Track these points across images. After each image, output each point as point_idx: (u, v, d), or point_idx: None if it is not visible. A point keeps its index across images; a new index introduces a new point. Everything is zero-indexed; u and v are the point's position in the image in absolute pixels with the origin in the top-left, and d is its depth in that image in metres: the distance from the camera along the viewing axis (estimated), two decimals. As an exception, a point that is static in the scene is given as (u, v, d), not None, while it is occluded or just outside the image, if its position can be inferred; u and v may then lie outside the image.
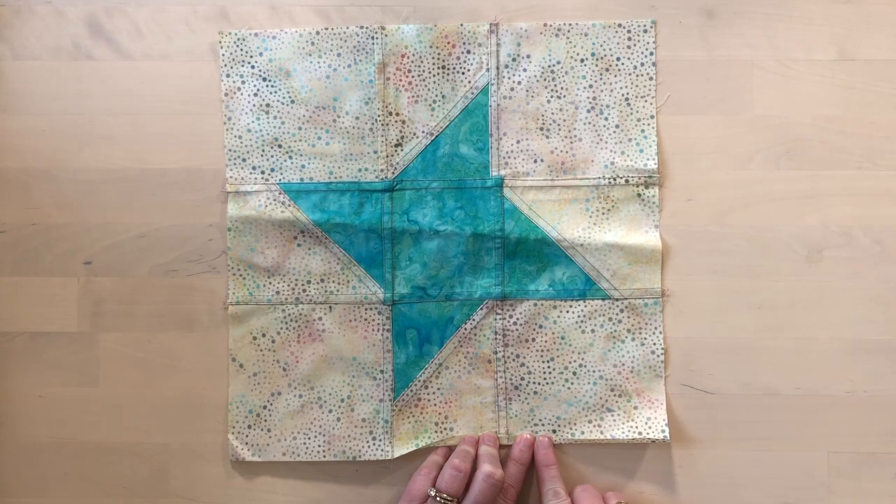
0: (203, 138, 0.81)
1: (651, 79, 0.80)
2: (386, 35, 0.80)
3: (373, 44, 0.80)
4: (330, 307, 0.80)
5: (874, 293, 0.79)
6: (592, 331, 0.80)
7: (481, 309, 0.80)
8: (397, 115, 0.80)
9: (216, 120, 0.81)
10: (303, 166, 0.80)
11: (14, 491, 0.81)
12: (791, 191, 0.80)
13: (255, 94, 0.80)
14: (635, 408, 0.80)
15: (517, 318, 0.80)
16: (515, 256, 0.80)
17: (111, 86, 0.82)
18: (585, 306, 0.80)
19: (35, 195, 0.81)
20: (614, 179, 0.80)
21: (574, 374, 0.80)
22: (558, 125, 0.80)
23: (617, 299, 0.80)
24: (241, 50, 0.80)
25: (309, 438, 0.80)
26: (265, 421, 0.80)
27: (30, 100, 0.82)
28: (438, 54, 0.80)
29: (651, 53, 0.80)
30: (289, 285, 0.80)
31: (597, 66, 0.80)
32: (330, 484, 0.80)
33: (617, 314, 0.80)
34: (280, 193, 0.80)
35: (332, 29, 0.80)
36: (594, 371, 0.80)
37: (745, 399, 0.80)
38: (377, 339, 0.80)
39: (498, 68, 0.80)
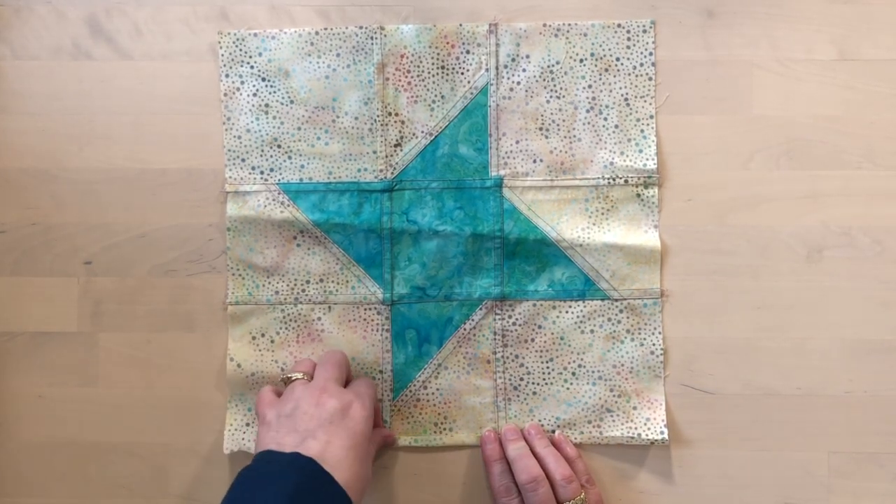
0: (203, 138, 0.81)
1: (650, 79, 0.80)
2: (385, 35, 0.80)
3: (372, 44, 0.80)
4: (329, 307, 0.80)
5: (874, 293, 0.79)
6: (592, 331, 0.80)
7: (480, 309, 0.80)
8: (396, 115, 0.80)
9: (216, 120, 0.81)
10: (302, 166, 0.80)
11: (14, 491, 0.81)
12: (791, 191, 0.80)
13: (255, 95, 0.80)
14: (634, 408, 0.80)
15: (516, 319, 0.80)
16: (515, 257, 0.80)
17: (111, 86, 0.82)
18: (585, 307, 0.80)
19: (35, 195, 0.82)
20: (613, 180, 0.80)
21: (573, 374, 0.80)
22: (557, 125, 0.80)
23: (616, 300, 0.80)
24: (241, 50, 0.80)
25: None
26: (265, 421, 0.80)
27: (30, 100, 0.82)
28: (438, 54, 0.80)
29: (650, 54, 0.80)
30: (288, 285, 0.80)
31: (596, 66, 0.80)
32: (329, 484, 0.80)
33: (616, 314, 0.80)
34: (279, 193, 0.80)
35: (332, 29, 0.80)
36: (593, 371, 0.80)
37: (744, 399, 0.80)
38: (376, 339, 0.80)
39: (497, 68, 0.80)
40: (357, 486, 0.66)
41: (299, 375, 0.73)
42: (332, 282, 0.80)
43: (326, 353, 0.75)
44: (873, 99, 0.79)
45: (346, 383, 0.74)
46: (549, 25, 0.80)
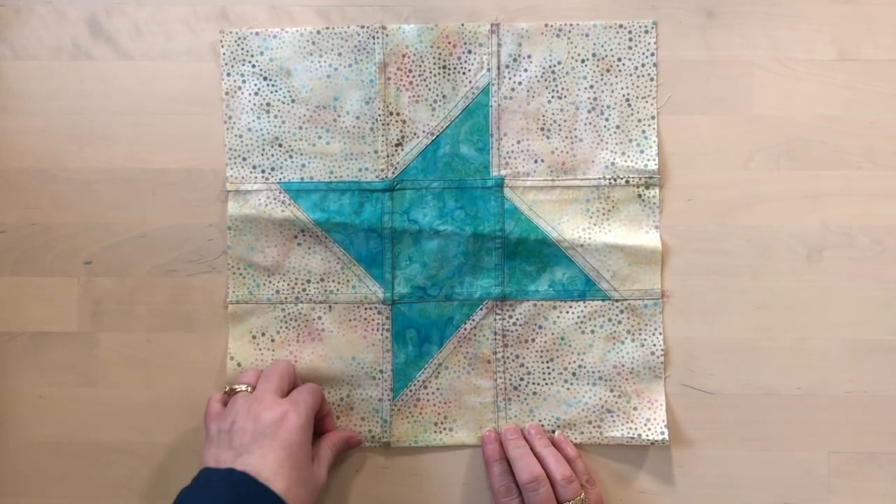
0: (203, 138, 0.81)
1: (652, 79, 0.80)
2: (387, 35, 0.80)
3: (374, 43, 0.80)
4: (330, 306, 0.80)
5: (874, 293, 0.79)
6: (592, 331, 0.80)
7: (481, 309, 0.80)
8: (398, 114, 0.80)
9: (216, 120, 0.81)
10: (303, 165, 0.80)
11: (14, 491, 0.81)
12: (791, 191, 0.80)
13: (256, 94, 0.80)
14: (634, 409, 0.80)
15: (517, 319, 0.80)
16: (515, 257, 0.80)
17: (111, 86, 0.82)
18: (585, 307, 0.80)
19: (35, 195, 0.81)
20: (615, 180, 0.80)
21: (573, 374, 0.80)
22: (559, 125, 0.80)
23: (617, 300, 0.80)
24: (242, 49, 0.80)
25: (308, 437, 0.80)
26: (264, 420, 0.80)
27: (30, 100, 0.82)
28: (439, 54, 0.80)
29: (652, 54, 0.80)
30: (289, 284, 0.80)
31: (598, 66, 0.80)
32: (330, 484, 0.80)
33: (617, 315, 0.80)
34: (280, 192, 0.80)
35: (333, 28, 0.80)
36: (594, 372, 0.80)
37: (744, 399, 0.80)
38: (377, 338, 0.80)
39: (499, 68, 0.80)
40: (300, 493, 0.68)
41: (243, 388, 0.74)
42: (333, 281, 0.80)
43: (270, 365, 0.76)
44: (873, 99, 0.80)
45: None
46: (551, 26, 0.80)
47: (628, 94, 0.80)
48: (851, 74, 0.80)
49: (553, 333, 0.80)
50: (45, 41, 0.82)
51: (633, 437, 0.79)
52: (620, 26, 0.80)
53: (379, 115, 0.80)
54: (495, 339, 0.80)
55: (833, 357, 0.80)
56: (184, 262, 0.81)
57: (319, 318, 0.80)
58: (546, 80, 0.80)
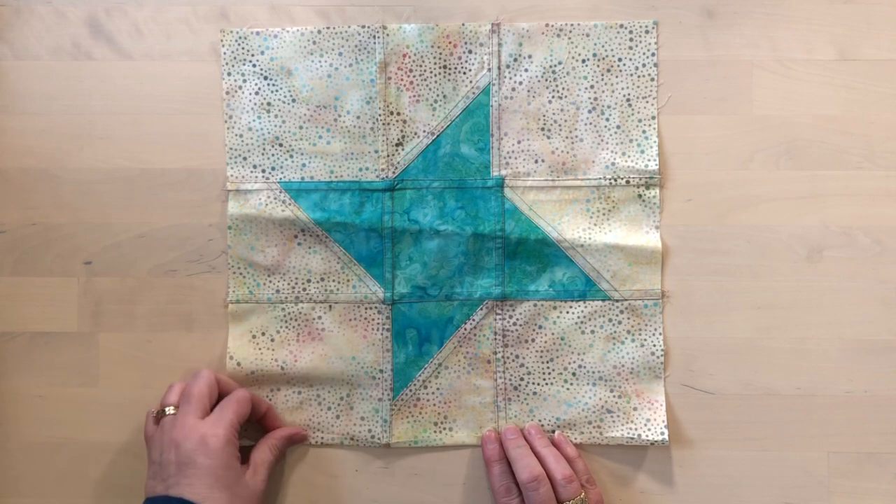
0: (203, 138, 0.81)
1: (652, 79, 0.80)
2: (388, 34, 0.80)
3: (374, 43, 0.80)
4: (330, 306, 0.80)
5: (874, 293, 0.79)
6: (592, 332, 0.80)
7: (481, 309, 0.80)
8: (398, 114, 0.80)
9: (216, 120, 0.81)
10: (303, 165, 0.80)
11: (14, 491, 0.81)
12: (791, 191, 0.80)
13: (257, 93, 0.80)
14: (634, 409, 0.80)
15: (517, 319, 0.80)
16: (516, 257, 0.80)
17: (111, 86, 0.82)
18: (585, 307, 0.80)
19: (35, 195, 0.81)
20: (615, 180, 0.80)
21: (573, 374, 0.80)
22: (559, 125, 0.80)
23: (617, 300, 0.80)
24: (243, 48, 0.80)
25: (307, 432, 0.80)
26: (264, 418, 0.80)
27: (30, 100, 0.82)
28: (440, 54, 0.80)
29: (653, 54, 0.80)
30: (289, 284, 0.80)
31: (598, 66, 0.80)
32: (330, 483, 0.80)
33: (617, 315, 0.80)
34: (281, 192, 0.80)
35: (334, 28, 0.80)
36: (594, 372, 0.80)
37: (744, 399, 0.80)
38: (377, 338, 0.80)
39: (499, 68, 0.80)
40: None
41: (171, 410, 0.74)
42: (333, 281, 0.80)
43: (191, 380, 0.75)
44: (873, 99, 0.80)
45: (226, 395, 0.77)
46: (552, 25, 0.80)
47: (629, 94, 0.80)
48: (851, 74, 0.80)
49: (553, 333, 0.80)
50: (45, 41, 0.82)
51: (633, 438, 0.79)
52: (621, 26, 0.80)
53: (379, 115, 0.80)
54: (495, 339, 0.80)
55: (833, 357, 0.80)
56: (184, 262, 0.81)
57: (319, 317, 0.80)
58: (547, 79, 0.80)
